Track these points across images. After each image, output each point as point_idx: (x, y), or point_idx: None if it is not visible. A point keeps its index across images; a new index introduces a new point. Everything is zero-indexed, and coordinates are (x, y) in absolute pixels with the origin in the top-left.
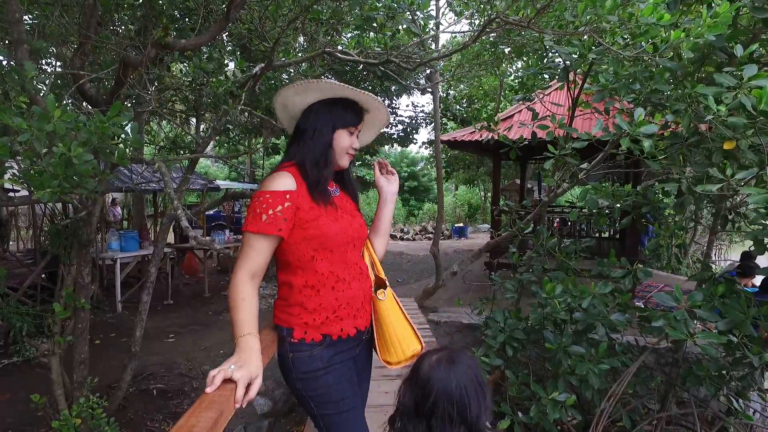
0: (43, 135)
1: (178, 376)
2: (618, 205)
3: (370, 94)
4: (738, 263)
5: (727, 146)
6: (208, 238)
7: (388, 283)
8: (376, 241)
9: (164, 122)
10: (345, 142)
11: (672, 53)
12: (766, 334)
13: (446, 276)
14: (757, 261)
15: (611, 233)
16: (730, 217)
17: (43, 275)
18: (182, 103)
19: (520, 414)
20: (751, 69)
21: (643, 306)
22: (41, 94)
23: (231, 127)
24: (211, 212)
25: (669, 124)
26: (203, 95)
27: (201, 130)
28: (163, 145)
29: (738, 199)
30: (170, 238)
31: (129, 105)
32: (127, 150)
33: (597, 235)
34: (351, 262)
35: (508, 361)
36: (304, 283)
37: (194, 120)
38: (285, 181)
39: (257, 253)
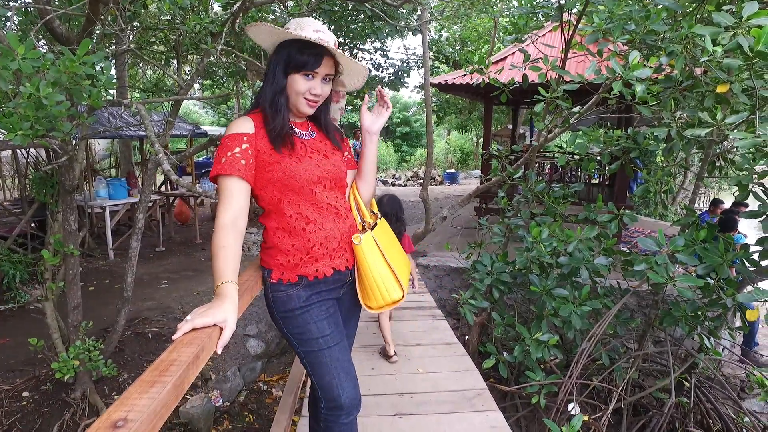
0: (7, 73)
1: (173, 320)
2: (607, 150)
3: (325, 39)
4: (715, 209)
5: (720, 89)
6: (197, 185)
7: (371, 227)
8: (360, 185)
9: (146, 65)
10: (300, 86)
11: None
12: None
13: (436, 221)
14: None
15: (601, 179)
16: (717, 163)
17: (33, 224)
18: (163, 44)
19: (504, 353)
20: (751, 6)
21: (628, 251)
22: (4, 30)
23: (215, 69)
24: (201, 159)
25: (663, 67)
26: (183, 34)
27: (183, 72)
28: (144, 89)
29: (727, 144)
30: (162, 186)
31: (108, 45)
32: (102, 91)
33: (587, 180)
34: (322, 203)
35: (494, 303)
36: (276, 226)
37: (176, 62)
38: (243, 125)
39: (229, 197)
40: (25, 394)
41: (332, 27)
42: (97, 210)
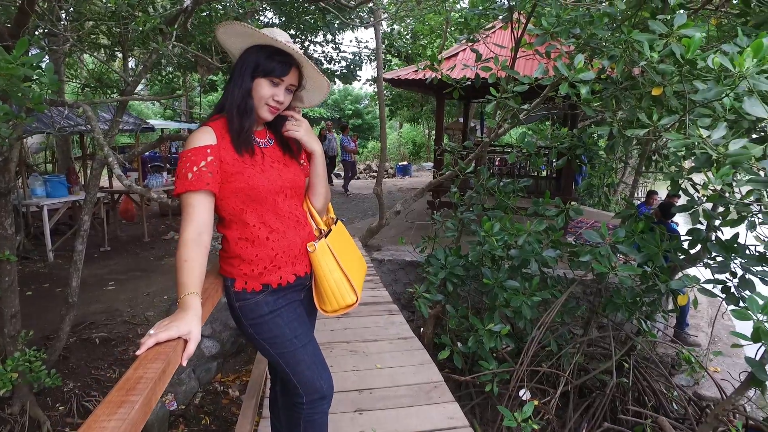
0: None
1: (122, 323)
2: (555, 147)
3: (296, 49)
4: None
5: (655, 92)
6: (143, 184)
7: (324, 234)
8: (313, 198)
9: (87, 57)
10: (265, 92)
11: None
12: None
13: (390, 215)
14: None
15: (548, 173)
16: (654, 158)
17: None
18: (106, 37)
19: (459, 344)
20: (680, 18)
21: (573, 242)
22: None
23: (163, 63)
24: (147, 153)
25: (605, 68)
26: (129, 30)
27: (129, 67)
28: (87, 83)
29: (662, 142)
30: (104, 180)
31: (43, 41)
32: (44, 92)
33: (535, 174)
34: (284, 212)
35: (448, 296)
36: (238, 236)
37: (121, 55)
38: (204, 137)
39: (196, 211)
40: None
41: (283, 18)
42: (33, 209)
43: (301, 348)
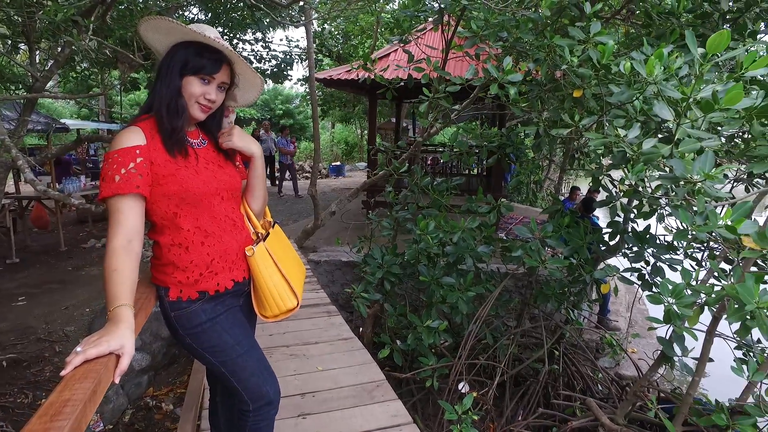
0: None
1: (35, 341)
2: (485, 146)
3: (226, 45)
4: (574, 195)
5: (576, 94)
6: (57, 187)
7: (263, 238)
8: (251, 200)
9: None
10: (195, 90)
11: (534, 5)
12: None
13: (325, 216)
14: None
15: (479, 171)
16: (576, 156)
17: None
18: (6, 26)
19: (398, 342)
20: (596, 26)
21: (505, 237)
22: None
23: (77, 58)
24: (59, 155)
25: (531, 71)
26: (36, 20)
27: (37, 61)
28: None
29: (583, 141)
30: (10, 185)
31: None
32: None
33: (466, 172)
34: (221, 215)
35: (386, 294)
36: (171, 242)
37: (25, 47)
38: (133, 137)
39: (125, 217)
40: None
41: (209, 15)
42: None
43: (244, 354)
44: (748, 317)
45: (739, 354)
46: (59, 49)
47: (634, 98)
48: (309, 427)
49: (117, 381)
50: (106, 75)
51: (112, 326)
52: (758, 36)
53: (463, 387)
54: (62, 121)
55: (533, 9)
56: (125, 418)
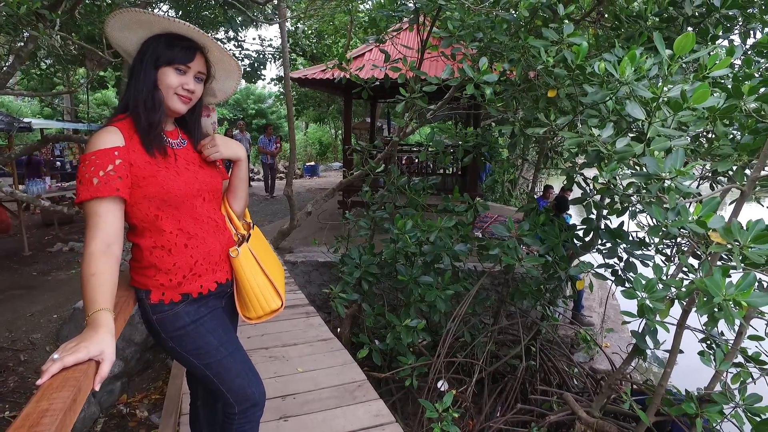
0: None
1: None
2: (461, 145)
3: (199, 30)
4: (547, 194)
5: (550, 94)
6: (20, 188)
7: (245, 238)
8: (232, 201)
9: None
10: (172, 81)
11: (511, 6)
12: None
13: (301, 216)
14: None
15: (454, 170)
16: (550, 155)
17: None
18: None
19: (377, 342)
20: (569, 27)
21: (481, 236)
22: None
23: (40, 54)
24: (23, 156)
25: (506, 71)
26: None
27: None
28: None
29: (557, 140)
30: None
31: None
32: None
33: (441, 172)
34: (203, 217)
35: (364, 294)
36: (153, 245)
37: None
38: (110, 138)
39: (103, 221)
40: None
41: (180, 12)
42: None
43: (229, 356)
44: (716, 309)
45: (703, 346)
46: (21, 43)
47: (608, 98)
48: (291, 430)
49: (97, 388)
50: (71, 73)
51: (91, 331)
52: (717, 41)
53: (442, 385)
54: (25, 120)
55: (508, 10)
56: (97, 427)
